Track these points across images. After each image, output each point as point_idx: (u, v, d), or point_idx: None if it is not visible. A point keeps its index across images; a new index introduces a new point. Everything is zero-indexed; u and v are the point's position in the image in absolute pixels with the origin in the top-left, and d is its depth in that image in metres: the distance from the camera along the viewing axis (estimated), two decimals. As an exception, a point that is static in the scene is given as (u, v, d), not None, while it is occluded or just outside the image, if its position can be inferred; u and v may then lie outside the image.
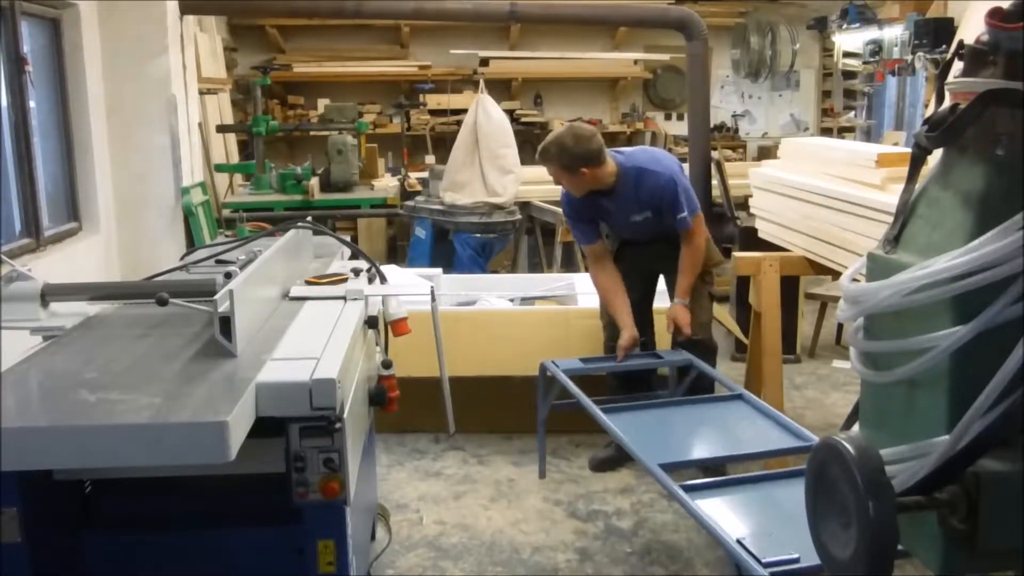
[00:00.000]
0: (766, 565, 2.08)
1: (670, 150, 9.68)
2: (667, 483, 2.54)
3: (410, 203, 6.46)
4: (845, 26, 8.13)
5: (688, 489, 2.50)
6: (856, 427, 1.75)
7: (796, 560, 2.09)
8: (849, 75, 9.84)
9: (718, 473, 3.04)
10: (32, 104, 4.34)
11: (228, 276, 2.35)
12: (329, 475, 1.99)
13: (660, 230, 3.75)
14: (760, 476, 2.75)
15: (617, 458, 3.87)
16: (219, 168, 6.64)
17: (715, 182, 5.82)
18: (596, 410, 3.11)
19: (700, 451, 2.97)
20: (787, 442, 2.84)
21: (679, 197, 3.64)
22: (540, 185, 6.48)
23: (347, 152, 6.49)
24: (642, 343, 3.84)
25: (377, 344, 2.83)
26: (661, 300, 4.21)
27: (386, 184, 7.26)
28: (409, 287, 3.95)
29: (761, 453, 2.99)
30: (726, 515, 2.36)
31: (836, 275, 3.78)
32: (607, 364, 3.78)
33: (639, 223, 3.75)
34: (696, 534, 3.28)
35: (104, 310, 2.56)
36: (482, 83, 6.69)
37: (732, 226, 5.54)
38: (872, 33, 7.79)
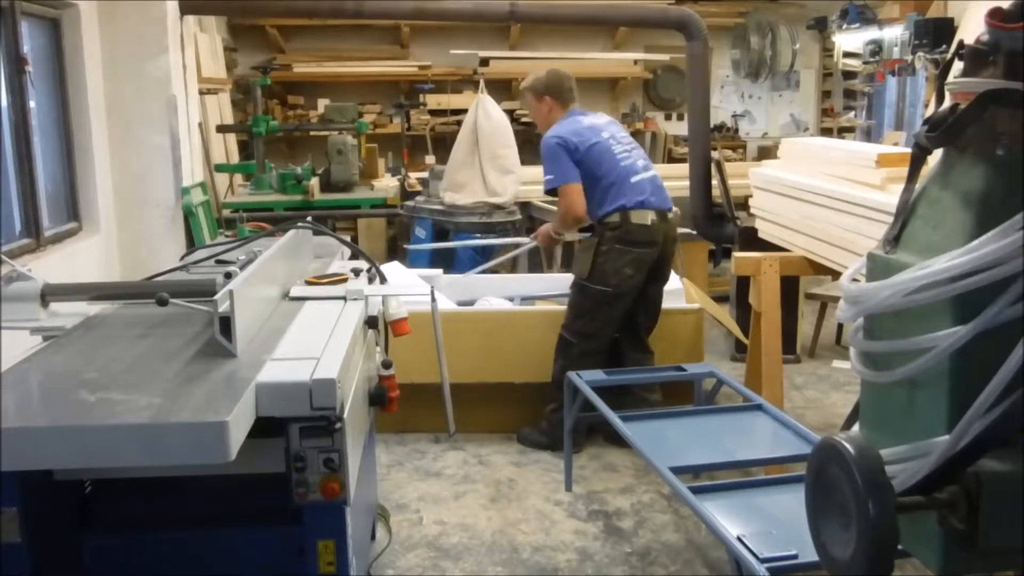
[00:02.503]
0: (764, 561, 2.09)
1: (670, 150, 9.71)
2: (675, 484, 2.58)
3: (410, 203, 6.45)
4: (845, 26, 8.13)
5: (696, 491, 2.53)
6: (856, 427, 1.75)
7: (794, 557, 2.10)
8: (849, 75, 9.84)
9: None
10: (32, 104, 4.34)
11: (228, 276, 2.35)
12: (329, 475, 1.99)
13: None
14: (767, 480, 2.77)
15: (547, 443, 4.04)
16: (219, 168, 6.64)
17: (715, 182, 5.81)
18: (618, 421, 3.12)
19: (711, 456, 2.97)
20: (802, 449, 2.84)
21: (545, 161, 4.08)
22: (540, 185, 6.46)
23: (347, 152, 6.49)
24: (637, 360, 4.07)
25: (377, 344, 2.83)
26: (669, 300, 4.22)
27: (386, 184, 7.26)
28: (409, 287, 3.95)
29: (772, 459, 3.01)
30: (729, 515, 2.38)
31: (836, 275, 3.78)
32: (630, 376, 3.81)
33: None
34: (696, 534, 3.28)
35: (104, 310, 2.56)
36: (482, 83, 6.69)
37: (732, 226, 5.53)
38: (872, 33, 7.79)
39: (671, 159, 9.45)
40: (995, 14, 1.46)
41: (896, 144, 7.05)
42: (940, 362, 1.42)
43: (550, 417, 4.01)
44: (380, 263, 3.36)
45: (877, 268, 1.63)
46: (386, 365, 2.68)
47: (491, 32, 9.33)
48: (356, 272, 2.94)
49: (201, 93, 6.37)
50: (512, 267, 6.85)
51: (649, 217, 3.91)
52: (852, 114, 10.39)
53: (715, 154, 6.01)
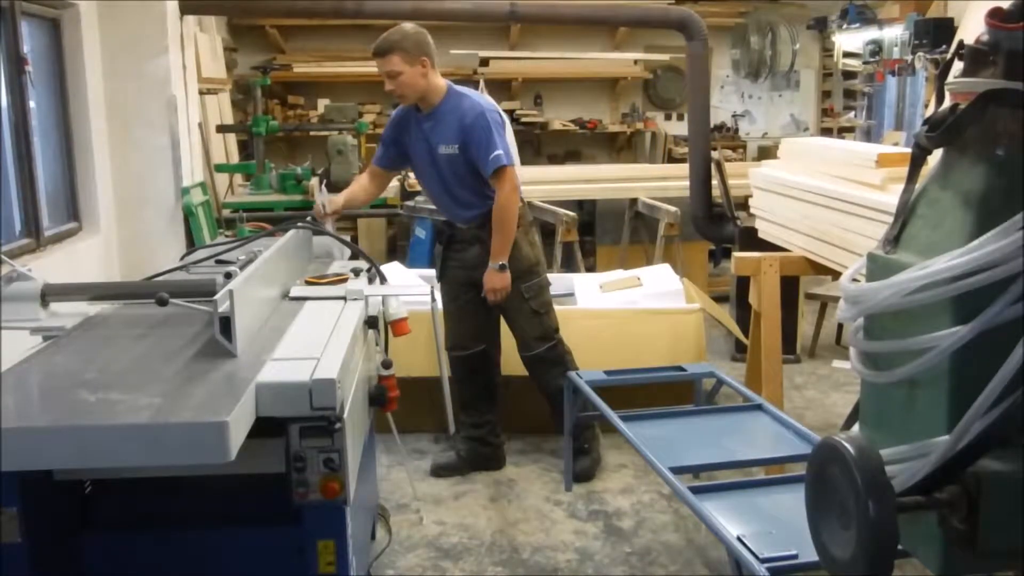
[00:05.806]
0: (764, 561, 2.09)
1: (670, 150, 9.71)
2: (675, 484, 2.58)
3: (410, 203, 6.46)
4: (845, 26, 8.14)
5: (696, 491, 2.53)
6: (856, 427, 1.75)
7: (794, 557, 2.10)
8: (849, 75, 9.84)
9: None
10: (32, 104, 4.34)
11: (228, 276, 2.35)
12: (329, 475, 1.99)
13: (460, 182, 3.57)
14: (767, 480, 2.77)
15: (457, 465, 3.83)
16: (219, 168, 6.64)
17: (715, 182, 5.82)
18: (618, 421, 3.11)
19: (711, 456, 2.97)
20: (802, 449, 2.83)
21: (491, 133, 3.45)
22: (540, 185, 6.48)
23: (347, 152, 6.50)
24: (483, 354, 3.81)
25: (377, 344, 2.83)
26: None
27: (386, 184, 7.24)
28: (409, 287, 3.94)
29: (772, 459, 3.01)
30: (729, 515, 2.38)
31: (836, 275, 3.78)
32: (630, 376, 3.76)
33: (444, 160, 3.55)
34: (696, 534, 3.28)
35: (104, 310, 2.57)
36: (482, 83, 6.70)
37: (732, 226, 5.53)
38: (872, 33, 7.79)
39: (671, 159, 9.45)
40: (995, 14, 1.46)
41: (896, 144, 7.06)
42: (940, 362, 1.42)
43: (478, 434, 3.82)
44: (380, 263, 3.36)
45: (877, 268, 1.63)
46: (386, 365, 2.68)
47: (491, 32, 9.33)
48: (356, 272, 2.94)
49: (201, 93, 6.37)
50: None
51: None
52: (852, 114, 10.39)
53: (715, 154, 6.02)
